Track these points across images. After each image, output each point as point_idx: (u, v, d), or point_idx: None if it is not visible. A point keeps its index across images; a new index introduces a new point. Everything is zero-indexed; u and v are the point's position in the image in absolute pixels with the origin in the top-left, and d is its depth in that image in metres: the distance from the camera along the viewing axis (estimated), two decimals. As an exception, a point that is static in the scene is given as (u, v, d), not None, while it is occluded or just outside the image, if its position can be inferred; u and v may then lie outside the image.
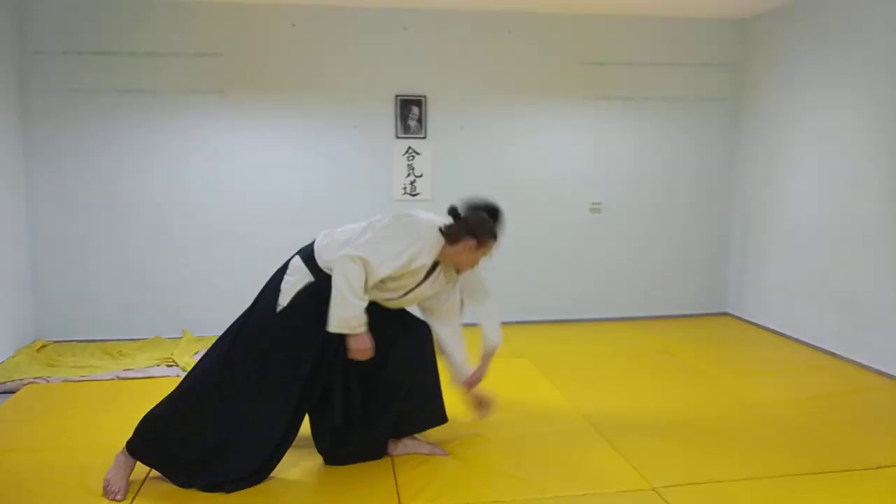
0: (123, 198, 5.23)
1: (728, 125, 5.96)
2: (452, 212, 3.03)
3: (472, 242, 2.98)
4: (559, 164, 5.78)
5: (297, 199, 5.44)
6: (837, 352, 4.83)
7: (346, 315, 2.84)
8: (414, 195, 5.60)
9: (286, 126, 5.40)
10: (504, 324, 5.98)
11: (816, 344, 5.04)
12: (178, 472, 2.93)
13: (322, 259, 2.96)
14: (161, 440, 2.92)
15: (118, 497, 2.83)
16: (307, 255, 3.02)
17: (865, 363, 4.57)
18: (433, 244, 2.94)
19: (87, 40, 5.07)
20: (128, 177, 5.22)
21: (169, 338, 5.24)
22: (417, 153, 5.57)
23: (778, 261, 5.47)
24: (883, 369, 4.44)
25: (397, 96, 5.50)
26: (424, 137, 5.56)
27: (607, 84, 5.77)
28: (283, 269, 3.05)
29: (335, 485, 2.97)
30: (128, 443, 2.93)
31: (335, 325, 2.86)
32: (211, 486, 2.90)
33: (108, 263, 5.25)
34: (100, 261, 5.24)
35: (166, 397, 2.99)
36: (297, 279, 2.96)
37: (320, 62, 5.39)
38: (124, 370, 4.48)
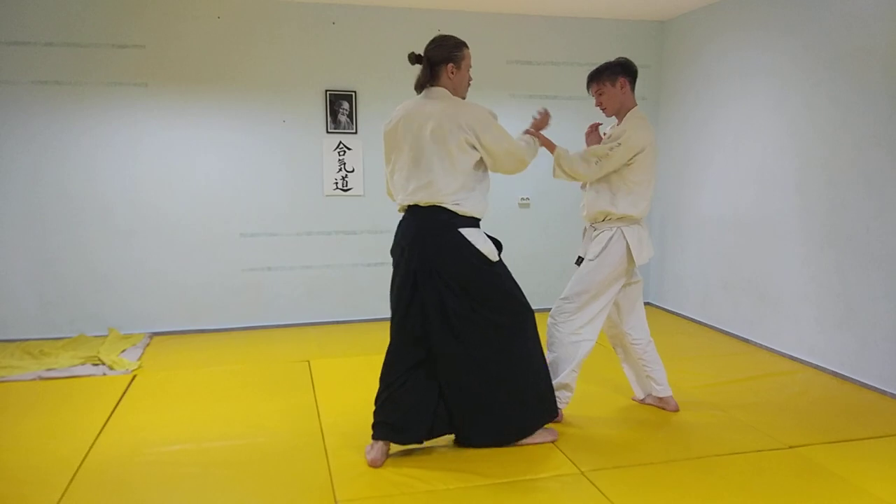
0: (41, 192, 5.05)
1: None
2: (412, 58, 3.23)
3: (449, 66, 3.19)
4: (488, 160, 5.87)
5: (225, 194, 5.36)
6: (751, 338, 5.09)
7: (527, 151, 3.45)
8: (346, 190, 5.60)
9: (213, 120, 5.31)
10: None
11: (731, 331, 5.30)
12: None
13: (466, 209, 3.26)
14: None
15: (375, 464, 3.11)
16: (456, 224, 3.22)
17: (777, 349, 4.83)
18: (453, 100, 3.19)
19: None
20: (46, 171, 5.05)
21: (94, 336, 5.11)
22: (349, 148, 5.56)
23: (694, 253, 5.73)
24: (793, 354, 4.70)
25: (327, 91, 5.49)
26: (355, 132, 5.56)
27: (533, 83, 5.90)
28: (453, 250, 3.17)
29: (269, 486, 2.97)
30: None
31: (532, 153, 3.56)
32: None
33: (26, 260, 5.07)
34: (17, 258, 5.05)
35: None
36: (480, 237, 3.25)
37: (247, 55, 5.32)
38: (46, 370, 4.34)
